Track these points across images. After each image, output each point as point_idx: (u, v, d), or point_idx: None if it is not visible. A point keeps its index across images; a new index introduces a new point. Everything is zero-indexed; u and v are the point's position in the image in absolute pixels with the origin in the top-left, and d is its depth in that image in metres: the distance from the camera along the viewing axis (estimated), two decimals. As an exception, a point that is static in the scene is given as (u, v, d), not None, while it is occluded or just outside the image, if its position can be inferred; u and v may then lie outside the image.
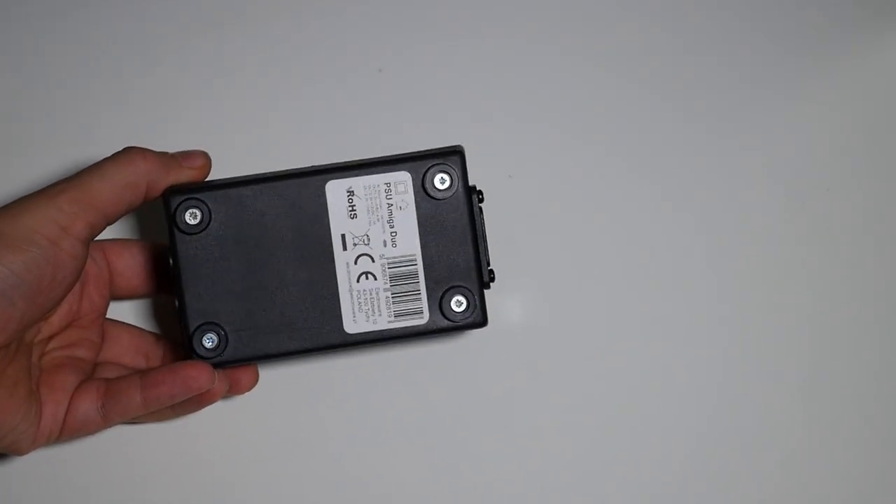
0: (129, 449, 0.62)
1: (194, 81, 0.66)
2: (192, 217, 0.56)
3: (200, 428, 0.62)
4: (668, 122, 0.66)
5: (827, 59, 0.67)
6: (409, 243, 0.56)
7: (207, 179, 0.58)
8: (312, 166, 0.57)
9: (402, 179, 0.56)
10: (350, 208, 0.56)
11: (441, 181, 0.56)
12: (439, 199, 0.56)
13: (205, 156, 0.57)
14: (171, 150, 0.57)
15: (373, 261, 0.56)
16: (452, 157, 0.56)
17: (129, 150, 0.56)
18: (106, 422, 0.56)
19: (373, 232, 0.56)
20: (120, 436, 0.62)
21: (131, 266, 0.60)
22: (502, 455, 0.62)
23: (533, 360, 0.63)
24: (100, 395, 0.56)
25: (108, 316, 0.61)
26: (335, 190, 0.57)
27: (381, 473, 0.63)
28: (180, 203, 0.56)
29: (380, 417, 0.63)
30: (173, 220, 0.56)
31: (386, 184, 0.56)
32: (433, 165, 0.56)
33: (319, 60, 0.67)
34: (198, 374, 0.55)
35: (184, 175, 0.56)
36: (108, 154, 0.56)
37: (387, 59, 0.67)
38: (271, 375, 0.62)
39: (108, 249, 0.60)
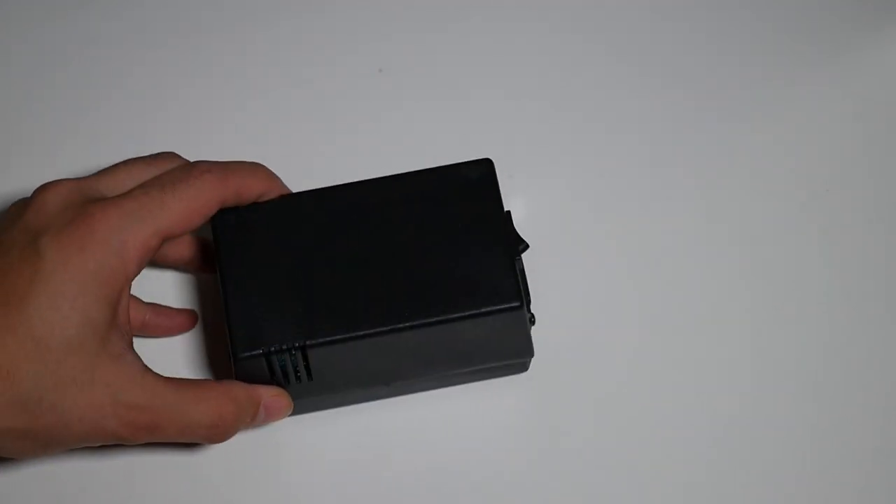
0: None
1: (191, 82, 0.66)
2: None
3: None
4: (668, 122, 0.66)
5: (827, 58, 0.67)
6: None
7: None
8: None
9: None
10: None
11: None
12: None
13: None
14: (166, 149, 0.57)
15: None
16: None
17: None
18: None
19: None
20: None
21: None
22: (505, 456, 0.62)
23: (535, 359, 0.62)
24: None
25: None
26: None
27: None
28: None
29: (383, 423, 0.62)
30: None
31: None
32: None
33: (319, 60, 0.67)
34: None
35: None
36: (106, 155, 0.56)
37: (387, 59, 0.67)
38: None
39: None
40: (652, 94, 0.66)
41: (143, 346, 0.59)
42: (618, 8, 0.68)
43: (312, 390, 0.56)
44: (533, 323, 0.57)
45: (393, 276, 0.55)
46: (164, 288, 0.62)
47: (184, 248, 0.60)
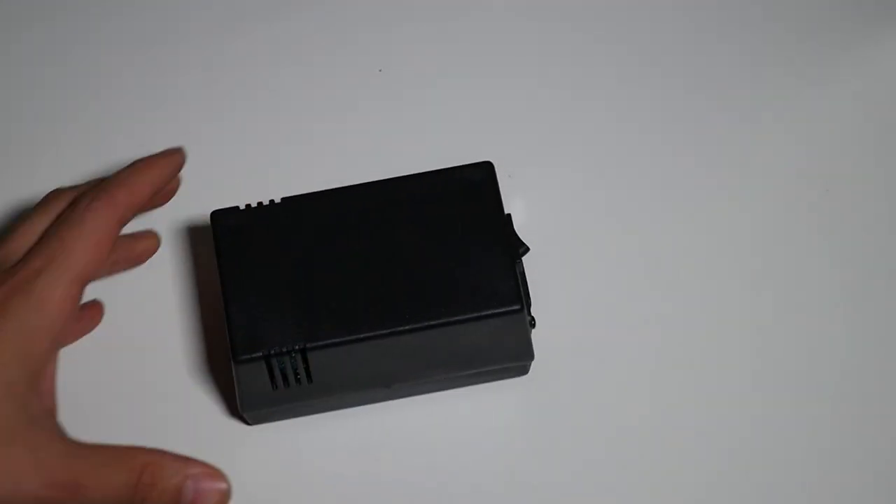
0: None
1: (190, 82, 0.66)
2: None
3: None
4: (668, 123, 0.66)
5: (827, 58, 0.67)
6: None
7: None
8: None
9: None
10: None
11: None
12: None
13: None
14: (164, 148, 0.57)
15: None
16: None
17: None
18: None
19: None
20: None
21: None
22: (505, 459, 0.62)
23: (535, 362, 0.62)
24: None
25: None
26: None
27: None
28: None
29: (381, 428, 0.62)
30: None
31: None
32: None
33: (319, 60, 0.67)
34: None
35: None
36: (104, 155, 0.56)
37: (387, 59, 0.67)
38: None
39: None
40: (652, 94, 0.66)
41: (143, 350, 0.59)
42: (618, 8, 0.68)
43: (312, 393, 0.56)
44: (533, 326, 0.57)
45: (393, 278, 0.55)
46: (164, 289, 0.62)
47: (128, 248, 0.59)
